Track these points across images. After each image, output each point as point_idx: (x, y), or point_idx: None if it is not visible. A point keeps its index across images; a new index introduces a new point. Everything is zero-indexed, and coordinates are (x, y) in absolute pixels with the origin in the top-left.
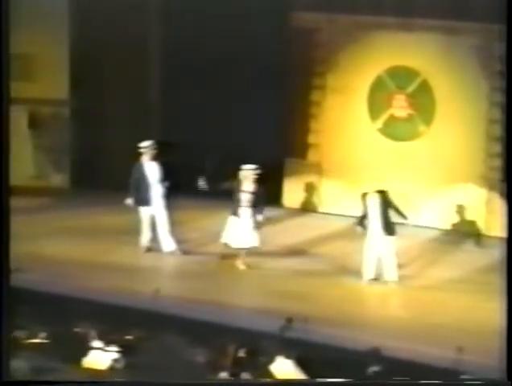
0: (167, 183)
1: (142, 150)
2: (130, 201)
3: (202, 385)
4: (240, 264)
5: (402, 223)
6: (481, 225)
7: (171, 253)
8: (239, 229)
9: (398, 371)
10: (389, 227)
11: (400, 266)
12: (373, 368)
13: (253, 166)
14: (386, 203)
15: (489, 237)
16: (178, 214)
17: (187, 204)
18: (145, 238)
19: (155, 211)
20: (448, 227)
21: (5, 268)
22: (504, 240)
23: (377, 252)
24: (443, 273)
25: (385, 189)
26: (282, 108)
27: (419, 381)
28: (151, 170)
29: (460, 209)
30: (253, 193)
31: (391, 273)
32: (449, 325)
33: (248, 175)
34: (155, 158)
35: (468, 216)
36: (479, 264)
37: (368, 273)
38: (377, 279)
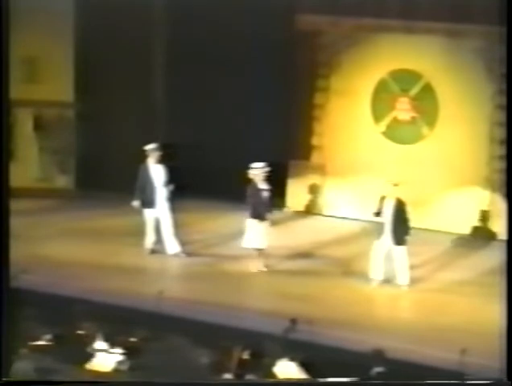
0: (171, 186)
1: (147, 153)
2: (136, 203)
3: (202, 385)
4: (261, 267)
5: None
6: (486, 228)
7: (176, 255)
8: (256, 230)
9: (404, 373)
10: (398, 237)
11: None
12: (377, 369)
13: (261, 165)
14: (400, 213)
15: (495, 239)
16: (182, 216)
17: (192, 206)
18: (149, 240)
19: (160, 213)
20: (453, 229)
21: (4, 269)
22: (504, 242)
23: (386, 254)
24: (449, 276)
25: (403, 198)
26: (285, 111)
27: (418, 381)
28: (156, 172)
29: (466, 212)
30: (266, 191)
31: (403, 277)
32: (455, 327)
33: (258, 174)
34: (160, 160)
35: (473, 219)
36: (485, 266)
37: (376, 274)
38: (386, 281)
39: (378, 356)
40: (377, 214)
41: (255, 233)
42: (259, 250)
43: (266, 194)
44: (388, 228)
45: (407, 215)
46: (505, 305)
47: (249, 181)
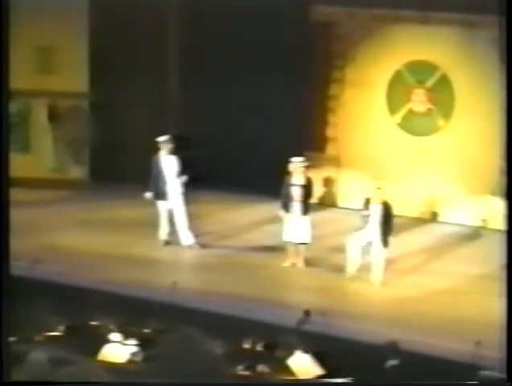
0: (184, 177)
1: (159, 144)
2: (148, 195)
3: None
4: (299, 263)
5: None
6: (500, 220)
7: (190, 247)
8: (293, 224)
9: (417, 365)
10: (384, 239)
11: (420, 261)
12: (392, 362)
13: (301, 159)
14: (386, 216)
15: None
16: (197, 207)
17: (207, 198)
18: (163, 231)
19: (173, 205)
20: (468, 222)
21: (5, 262)
22: (505, 235)
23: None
24: (463, 269)
25: (388, 201)
26: (300, 102)
27: (417, 381)
28: (169, 164)
29: (481, 204)
30: (303, 186)
31: (377, 275)
32: (469, 319)
33: (297, 168)
34: (173, 151)
35: (488, 211)
36: (499, 259)
37: (351, 266)
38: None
39: (393, 348)
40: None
41: (291, 227)
42: (299, 244)
43: (298, 189)
44: (375, 230)
45: (392, 217)
46: (506, 304)
47: (287, 174)
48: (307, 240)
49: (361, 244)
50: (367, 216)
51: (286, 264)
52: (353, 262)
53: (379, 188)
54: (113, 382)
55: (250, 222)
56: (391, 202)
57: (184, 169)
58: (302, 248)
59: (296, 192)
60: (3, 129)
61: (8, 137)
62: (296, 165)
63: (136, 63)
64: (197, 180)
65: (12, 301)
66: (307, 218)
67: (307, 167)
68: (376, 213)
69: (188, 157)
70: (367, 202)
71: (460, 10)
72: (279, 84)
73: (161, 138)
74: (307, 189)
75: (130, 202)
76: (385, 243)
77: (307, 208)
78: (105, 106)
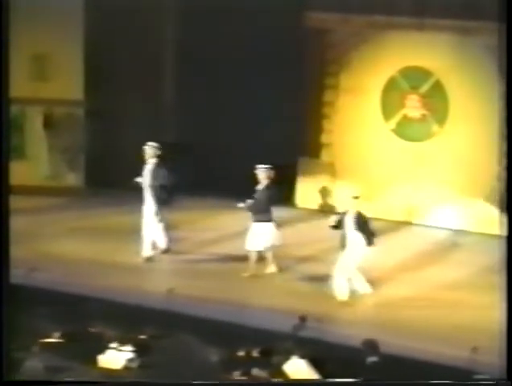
0: (171, 184)
1: (146, 151)
2: (139, 180)
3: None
4: (272, 268)
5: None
6: (495, 226)
7: (163, 252)
8: (259, 231)
9: (413, 372)
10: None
11: (414, 267)
12: (372, 359)
13: (266, 166)
14: (361, 222)
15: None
16: (185, 214)
17: (193, 204)
18: (145, 243)
19: (155, 210)
20: (463, 227)
21: (4, 269)
22: (505, 242)
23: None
24: (457, 274)
25: (361, 210)
26: (295, 108)
27: (417, 381)
28: (152, 171)
29: (474, 209)
30: (265, 193)
31: (364, 286)
32: (464, 325)
33: (261, 175)
34: (160, 159)
35: (482, 217)
36: (494, 264)
37: (341, 293)
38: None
39: (371, 346)
40: (335, 227)
41: (257, 235)
42: (262, 251)
43: (266, 195)
44: (350, 240)
45: (369, 223)
46: (506, 305)
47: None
48: (276, 243)
49: (347, 272)
50: (337, 227)
51: (246, 274)
52: (342, 290)
53: (356, 197)
54: (112, 382)
55: (246, 228)
56: (365, 211)
57: (169, 175)
58: (269, 253)
59: (263, 199)
60: (3, 138)
61: (8, 146)
62: (261, 172)
63: (131, 70)
64: (182, 187)
65: (9, 308)
66: (271, 224)
67: (272, 174)
68: (350, 221)
69: (174, 163)
70: (342, 214)
71: (456, 16)
72: (274, 90)
73: (147, 145)
74: (270, 196)
75: (125, 209)
76: (369, 242)
77: (269, 215)
78: (100, 114)
